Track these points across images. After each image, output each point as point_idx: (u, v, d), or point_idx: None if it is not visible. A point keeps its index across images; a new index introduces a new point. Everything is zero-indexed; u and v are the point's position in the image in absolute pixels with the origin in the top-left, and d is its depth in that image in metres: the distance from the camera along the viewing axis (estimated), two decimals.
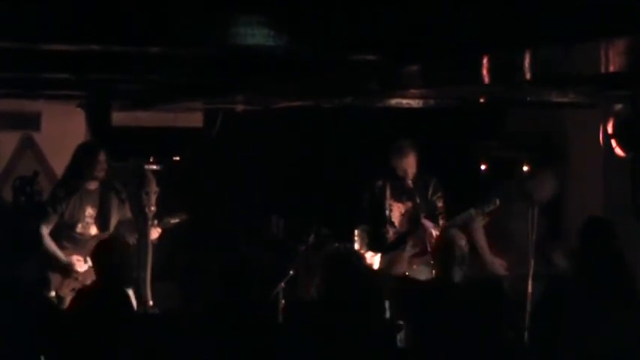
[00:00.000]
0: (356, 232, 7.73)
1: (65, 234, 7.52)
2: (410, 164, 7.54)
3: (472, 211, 7.45)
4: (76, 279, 7.47)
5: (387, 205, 7.67)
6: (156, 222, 7.59)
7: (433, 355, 5.44)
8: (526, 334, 6.53)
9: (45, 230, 7.46)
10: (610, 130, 7.08)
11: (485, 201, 7.43)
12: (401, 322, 5.79)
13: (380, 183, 7.70)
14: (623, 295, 5.27)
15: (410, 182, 7.51)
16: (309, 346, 5.10)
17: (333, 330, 5.09)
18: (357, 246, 7.70)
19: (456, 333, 5.42)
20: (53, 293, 7.59)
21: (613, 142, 7.07)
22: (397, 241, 7.60)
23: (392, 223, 7.66)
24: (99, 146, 7.59)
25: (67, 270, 7.44)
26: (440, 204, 7.64)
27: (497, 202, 7.39)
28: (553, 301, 4.87)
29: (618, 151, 7.08)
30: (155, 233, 7.57)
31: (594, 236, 6.55)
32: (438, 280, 5.95)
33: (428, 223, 7.42)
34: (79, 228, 7.54)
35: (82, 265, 7.44)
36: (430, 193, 7.63)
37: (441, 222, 7.53)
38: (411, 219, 7.58)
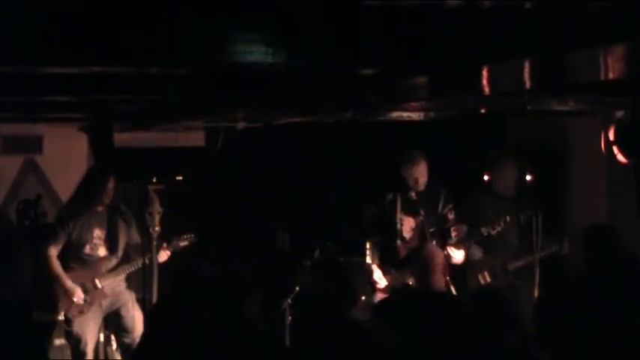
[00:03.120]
0: (367, 245, 7.67)
1: (73, 255, 7.53)
2: (421, 173, 7.46)
3: (483, 230, 7.40)
4: (85, 300, 7.47)
5: (398, 219, 7.59)
6: (165, 245, 7.60)
7: None
8: (532, 342, 6.52)
9: (53, 251, 7.46)
10: (611, 137, 7.07)
11: (494, 220, 7.37)
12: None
13: (390, 196, 7.62)
14: (630, 299, 5.26)
15: (419, 195, 7.45)
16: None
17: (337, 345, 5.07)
18: (368, 259, 7.66)
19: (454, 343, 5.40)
20: (62, 316, 7.60)
21: (615, 149, 7.06)
22: (409, 256, 7.54)
23: (403, 238, 7.59)
24: (108, 172, 7.58)
25: (72, 293, 7.43)
26: (451, 216, 7.54)
27: (508, 219, 7.36)
28: (559, 306, 4.86)
29: (620, 158, 7.07)
30: (164, 256, 7.57)
31: (599, 243, 6.54)
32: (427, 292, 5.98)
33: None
34: (87, 249, 7.55)
35: (80, 294, 7.43)
36: (441, 205, 7.55)
37: (453, 234, 7.47)
38: (422, 233, 7.51)
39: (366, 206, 7.71)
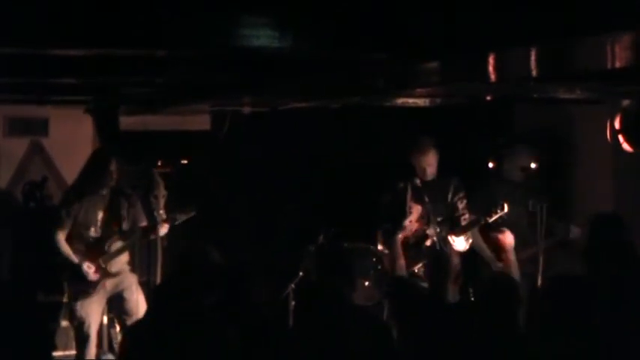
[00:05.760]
0: (378, 232, 7.70)
1: (79, 237, 7.51)
2: (429, 162, 7.44)
3: (481, 219, 7.35)
4: (89, 283, 7.46)
5: (408, 207, 7.58)
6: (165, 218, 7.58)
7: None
8: (536, 333, 6.51)
9: (61, 235, 7.45)
10: (617, 125, 7.06)
11: (491, 208, 7.31)
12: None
13: (401, 184, 7.61)
14: (634, 289, 5.26)
15: (429, 183, 7.44)
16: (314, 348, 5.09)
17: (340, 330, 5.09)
18: (379, 247, 7.69)
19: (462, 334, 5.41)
20: (65, 299, 7.61)
21: (621, 138, 7.06)
22: (417, 242, 7.53)
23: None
24: (110, 156, 7.55)
25: (80, 275, 7.42)
26: (461, 205, 7.50)
27: (505, 207, 7.28)
28: (563, 298, 4.86)
29: (626, 146, 7.07)
30: (164, 229, 7.55)
31: (604, 231, 6.54)
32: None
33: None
34: (92, 231, 7.54)
35: (94, 271, 7.43)
36: (451, 194, 7.52)
37: (463, 222, 7.43)
38: (428, 221, 7.51)
39: (384, 195, 7.71)
